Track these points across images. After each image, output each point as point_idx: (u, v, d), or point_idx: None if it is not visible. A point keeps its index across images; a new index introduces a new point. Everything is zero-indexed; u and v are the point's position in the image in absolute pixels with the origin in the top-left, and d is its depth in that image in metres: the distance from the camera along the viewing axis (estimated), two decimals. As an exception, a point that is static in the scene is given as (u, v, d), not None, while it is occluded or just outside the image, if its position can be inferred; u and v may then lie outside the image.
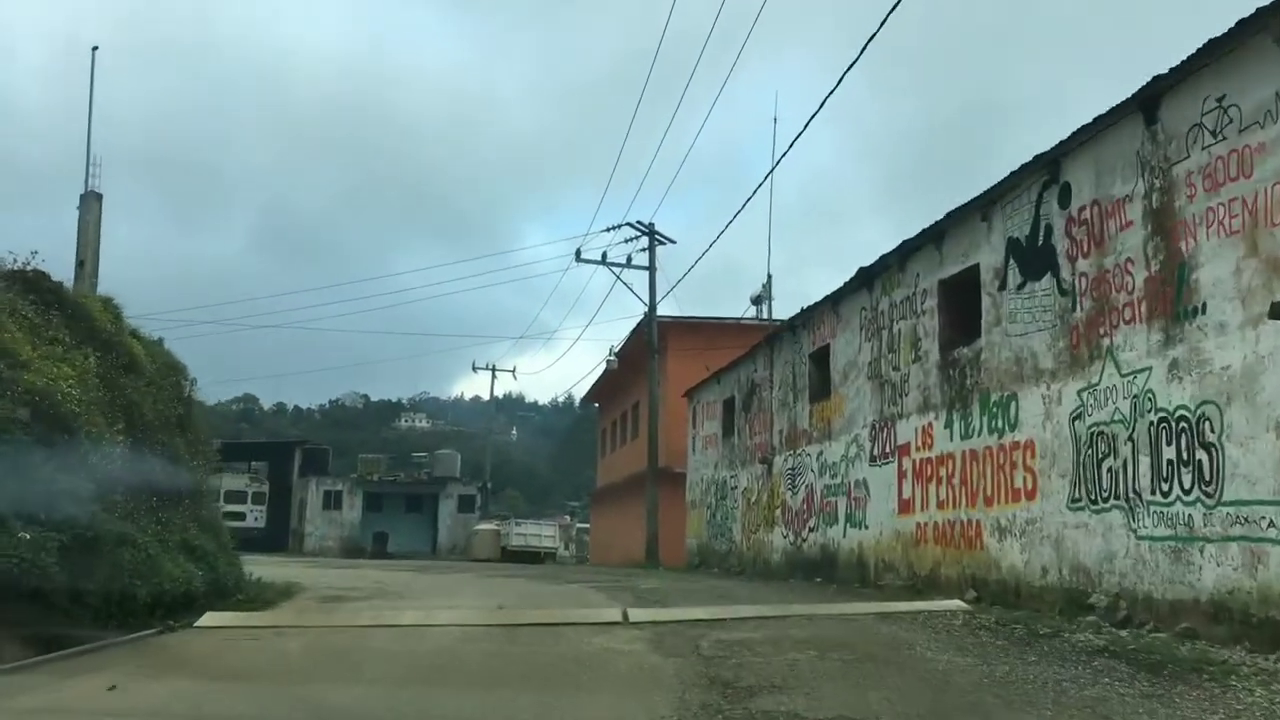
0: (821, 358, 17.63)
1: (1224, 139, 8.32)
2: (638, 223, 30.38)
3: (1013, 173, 11.37)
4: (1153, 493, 8.84)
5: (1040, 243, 10.93)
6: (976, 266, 12.27)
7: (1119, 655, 7.25)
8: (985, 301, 12.01)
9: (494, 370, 55.93)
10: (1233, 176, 8.20)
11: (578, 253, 30.94)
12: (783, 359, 19.74)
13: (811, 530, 17.62)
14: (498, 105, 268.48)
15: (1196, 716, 5.39)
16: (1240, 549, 7.79)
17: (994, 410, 11.66)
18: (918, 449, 13.59)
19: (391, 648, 8.04)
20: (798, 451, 18.52)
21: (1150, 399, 8.97)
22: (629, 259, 30.44)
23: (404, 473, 56.00)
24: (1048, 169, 10.82)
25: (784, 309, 34.18)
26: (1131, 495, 9.12)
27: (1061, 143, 10.47)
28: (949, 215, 12.85)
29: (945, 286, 13.23)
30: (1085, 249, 10.15)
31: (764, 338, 21.43)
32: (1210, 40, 8.36)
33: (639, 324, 31.64)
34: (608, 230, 31.04)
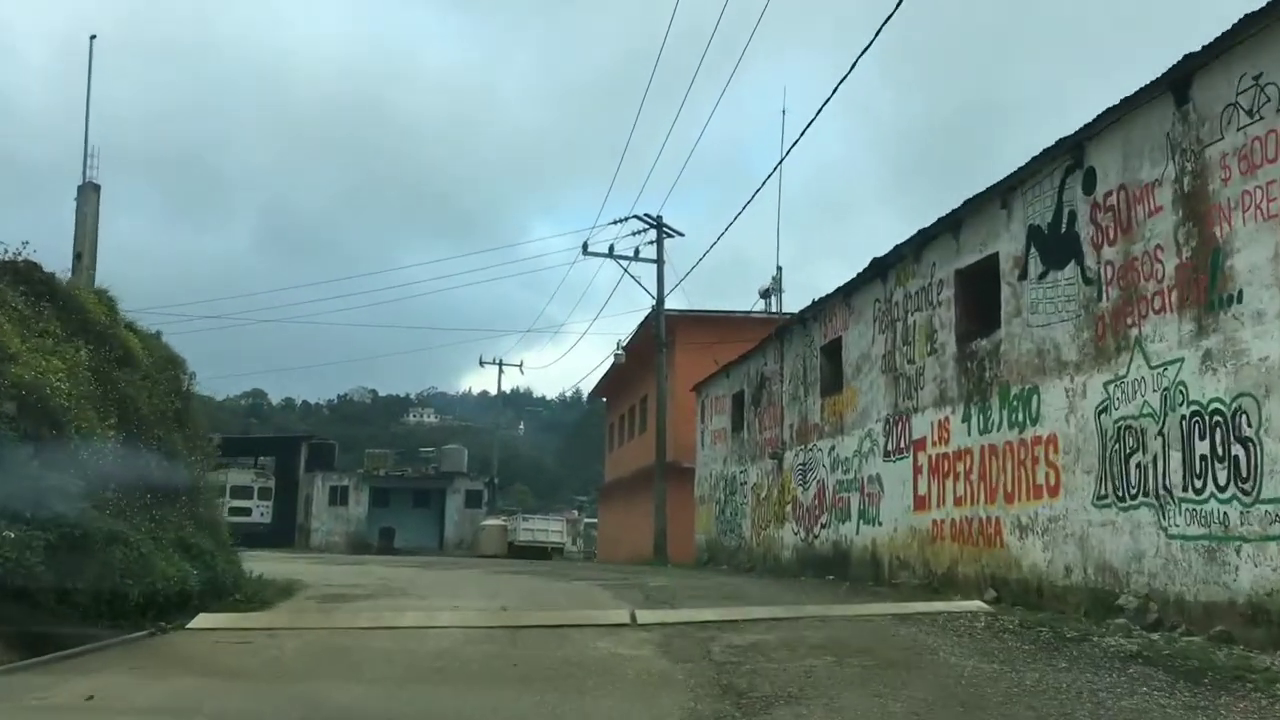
0: (833, 350, 17.25)
1: (1261, 119, 7.92)
2: (645, 215, 30.03)
3: (1034, 158, 10.97)
4: (1185, 490, 8.45)
5: (1063, 230, 10.54)
6: (995, 255, 11.88)
7: (1154, 662, 6.87)
8: (1005, 291, 11.62)
9: (501, 365, 55.69)
10: (1270, 158, 7.81)
11: (584, 246, 30.64)
12: (793, 352, 19.36)
13: (823, 527, 17.25)
14: (499, 103, 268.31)
15: (1247, 731, 5.03)
16: (1280, 549, 7.41)
17: (1014, 404, 11.28)
18: (934, 444, 13.21)
19: (390, 651, 7.70)
20: (809, 446, 18.14)
21: (1182, 391, 8.57)
22: (636, 252, 30.12)
23: (411, 468, 55.76)
24: (1071, 153, 10.42)
25: (792, 302, 33.84)
26: (1162, 492, 8.73)
27: (1086, 126, 10.07)
28: (966, 203, 12.46)
29: (962, 276, 12.84)
30: (1111, 236, 9.75)
31: (774, 331, 21.05)
32: (1245, 16, 7.96)
33: (647, 317, 31.28)
34: (615, 223, 30.73)
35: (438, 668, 6.92)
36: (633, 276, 30.36)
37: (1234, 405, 7.98)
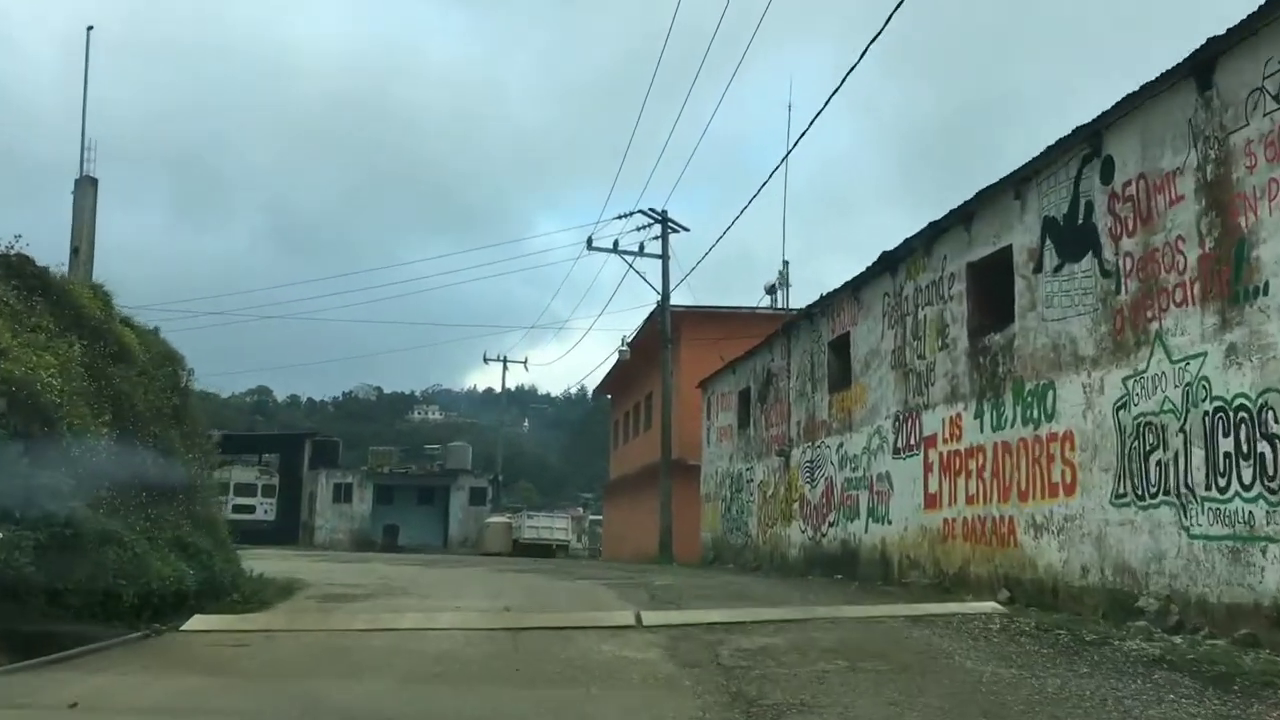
0: (841, 346, 16.99)
1: (1288, 104, 7.65)
2: (650, 210, 29.75)
3: (1049, 148, 10.69)
4: (1208, 488, 8.18)
5: (1080, 221, 10.27)
6: (1009, 248, 11.61)
7: (1179, 667, 6.62)
8: (1019, 285, 11.35)
9: (505, 362, 55.44)
10: (1299, 144, 7.54)
11: (589, 241, 30.32)
12: (800, 348, 19.10)
13: (831, 525, 17.00)
14: (503, 99, 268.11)
15: (1285, 744, 4.78)
16: (1309, 550, 7.14)
17: (1029, 400, 11.01)
18: (945, 441, 12.95)
19: (388, 653, 7.49)
20: (816, 443, 17.89)
21: (1205, 387, 8.30)
22: (641, 247, 29.81)
23: (415, 465, 55.57)
24: (1088, 142, 10.14)
25: (798, 298, 33.50)
26: (1183, 490, 8.46)
27: (1103, 114, 9.80)
28: (979, 195, 12.19)
29: (974, 270, 12.57)
30: (1130, 227, 9.48)
31: (780, 326, 20.79)
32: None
33: (652, 313, 31.01)
34: (620, 218, 30.42)
35: (437, 672, 6.69)
36: (637, 272, 30.13)
37: (1260, 401, 7.71)
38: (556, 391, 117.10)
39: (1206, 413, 8.27)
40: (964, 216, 12.65)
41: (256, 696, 6.18)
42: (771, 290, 36.02)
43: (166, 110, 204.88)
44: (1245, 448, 7.82)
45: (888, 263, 14.94)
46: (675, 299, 29.86)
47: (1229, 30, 8.17)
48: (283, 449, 53.10)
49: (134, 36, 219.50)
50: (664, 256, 29.60)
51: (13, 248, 10.87)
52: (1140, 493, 9.03)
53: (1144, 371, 9.11)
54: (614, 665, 6.88)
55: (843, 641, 7.78)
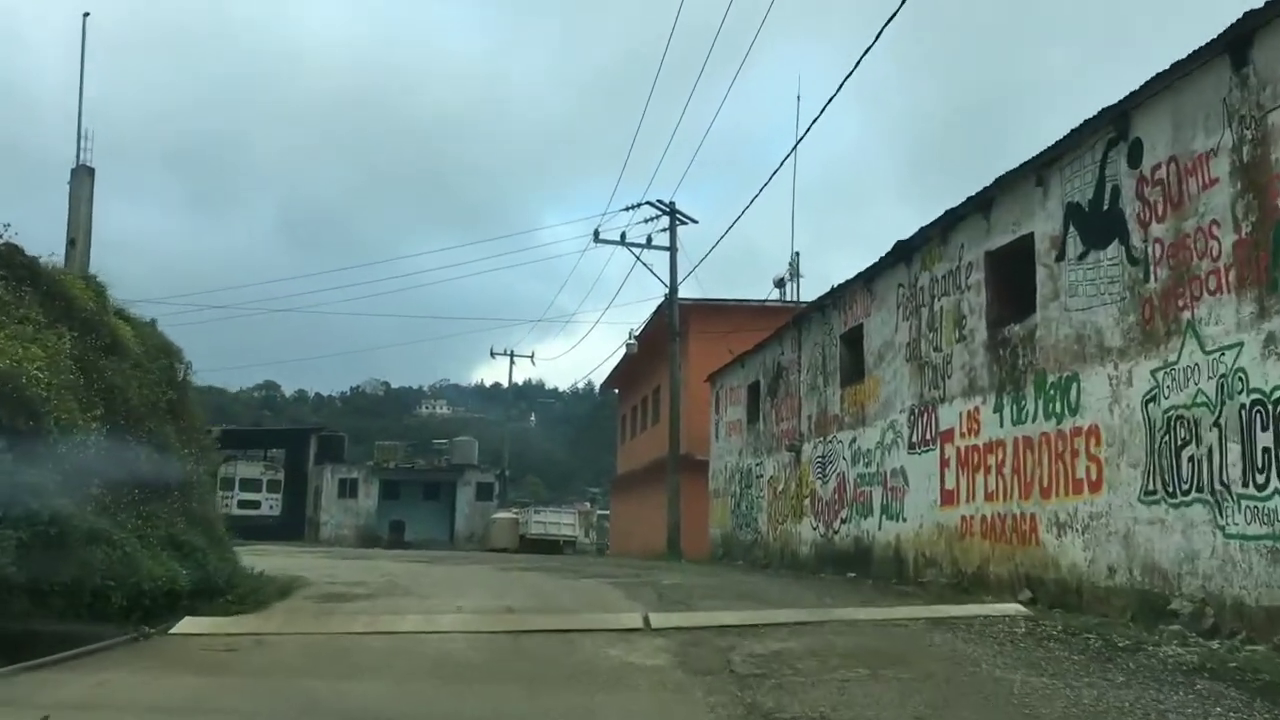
0: (854, 339, 16.59)
1: (1333, 80, 7.24)
2: (658, 201, 29.35)
3: (1073, 131, 10.28)
4: (1245, 485, 7.78)
5: (1106, 207, 9.86)
6: (1030, 236, 11.20)
7: (1221, 675, 6.24)
8: (1040, 274, 10.95)
9: (512, 356, 55.11)
10: (1344, 122, 7.13)
11: (596, 233, 29.95)
12: (811, 340, 18.70)
13: (843, 522, 16.62)
14: (511, 94, 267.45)
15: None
16: (1357, 551, 6.75)
17: (1051, 393, 10.61)
18: (962, 435, 12.55)
19: (385, 658, 7.15)
20: (828, 438, 17.50)
21: (1241, 379, 7.90)
22: (649, 239, 29.43)
23: (423, 459, 55.27)
24: (1115, 124, 9.73)
25: (806, 293, 33.14)
26: (1218, 488, 8.06)
27: (1132, 94, 9.38)
28: (998, 181, 11.78)
29: (993, 259, 12.16)
30: (1160, 212, 9.07)
31: (791, 318, 20.40)
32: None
33: (659, 306, 30.64)
34: (627, 209, 30.01)
35: (435, 679, 6.33)
36: (645, 264, 29.72)
37: (1302, 393, 7.31)
38: (564, 386, 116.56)
39: (1243, 405, 7.87)
40: (982, 204, 12.25)
41: (239, 706, 5.83)
42: (780, 283, 35.64)
43: (172, 106, 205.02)
44: (1286, 443, 7.42)
45: (902, 252, 14.54)
46: (683, 292, 29.50)
47: (1267, 3, 7.76)
48: (288, 444, 52.85)
49: (139, 31, 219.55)
50: (672, 249, 29.23)
51: (0, 236, 10.53)
52: (1171, 490, 8.63)
53: (1175, 363, 8.71)
54: (621, 672, 6.52)
55: (862, 646, 7.42)
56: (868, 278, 15.85)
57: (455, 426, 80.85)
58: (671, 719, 5.46)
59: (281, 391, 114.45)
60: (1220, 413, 8.11)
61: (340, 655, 7.39)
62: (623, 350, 33.92)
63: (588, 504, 64.10)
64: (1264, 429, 7.65)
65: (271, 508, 47.88)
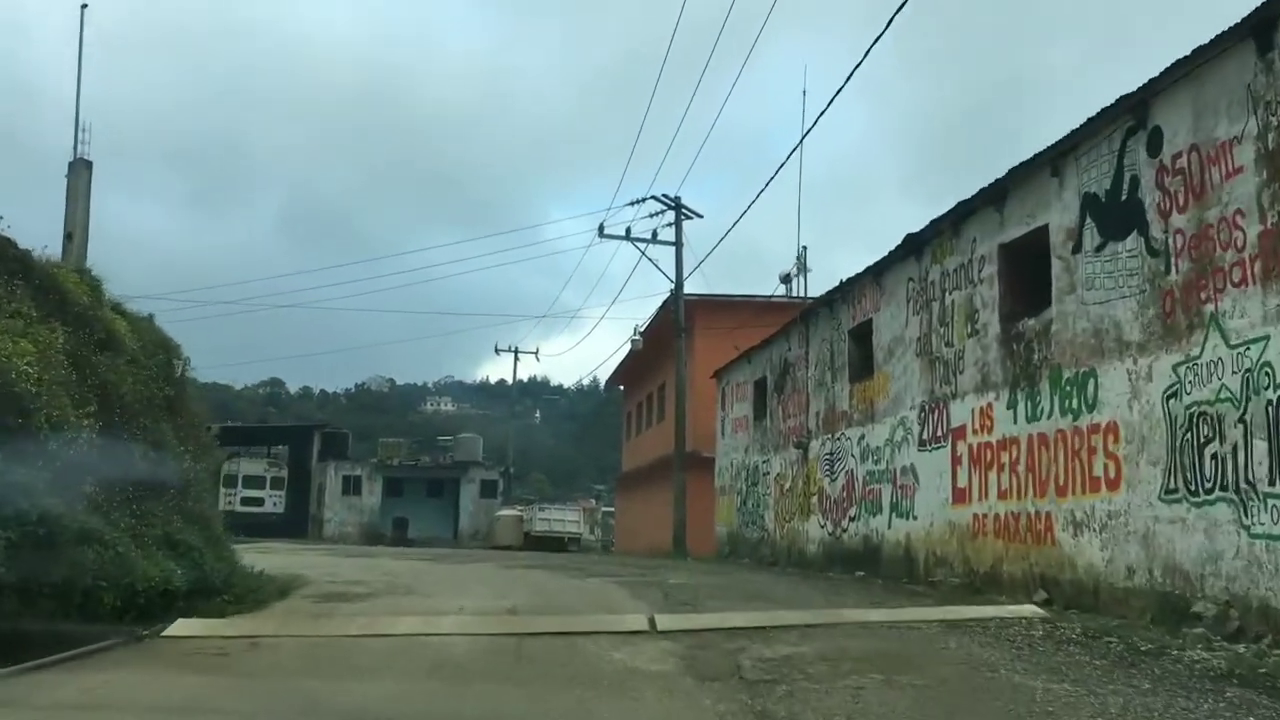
0: (863, 334, 16.33)
1: (1365, 63, 6.97)
2: (663, 195, 29.08)
3: (1090, 119, 10.01)
4: (1271, 483, 7.51)
5: (1124, 197, 9.59)
6: (1045, 228, 10.93)
7: (1251, 682, 5.99)
8: (1056, 266, 10.68)
9: (516, 353, 54.88)
10: (1377, 106, 6.85)
11: (601, 228, 29.70)
12: (819, 336, 18.44)
13: (852, 520, 16.36)
14: (516, 90, 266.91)
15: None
16: (1391, 552, 6.48)
17: (1067, 389, 10.35)
18: (975, 432, 12.29)
19: (381, 663, 6.91)
20: (836, 435, 17.24)
21: (1268, 373, 7.63)
22: (654, 234, 29.16)
23: (427, 456, 55.03)
24: (1133, 113, 9.45)
25: (811, 289, 32.86)
26: (1243, 486, 7.79)
27: (1151, 81, 9.11)
28: (1011, 172, 11.51)
29: (1007, 251, 11.89)
30: (1181, 202, 8.80)
31: (798, 314, 20.14)
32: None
33: (665, 302, 30.38)
34: (632, 204, 29.76)
35: (429, 690, 6.09)
36: (650, 260, 29.46)
37: (1332, 388, 7.04)
38: (569, 383, 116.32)
39: (1270, 401, 7.60)
40: (995, 196, 11.97)
41: (226, 711, 5.60)
42: (786, 279, 35.36)
43: (177, 103, 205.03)
44: (1315, 440, 7.16)
45: (912, 246, 14.27)
46: (689, 288, 29.26)
47: (1296, -16, 7.48)
48: (292, 441, 52.64)
49: (144, 29, 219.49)
50: (677, 244, 28.96)
51: (-9, 229, 10.30)
52: (1193, 488, 8.36)
53: (1197, 357, 8.44)
54: (626, 678, 6.28)
55: (875, 651, 7.17)
56: (877, 272, 15.58)
57: (460, 423, 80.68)
58: (678, 730, 5.22)
59: (286, 388, 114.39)
60: (1245, 409, 7.85)
61: (335, 659, 7.16)
62: (628, 347, 33.67)
63: (593, 500, 63.86)
64: (1292, 425, 7.39)
65: (275, 505, 47.65)
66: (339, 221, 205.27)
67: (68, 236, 14.84)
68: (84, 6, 17.15)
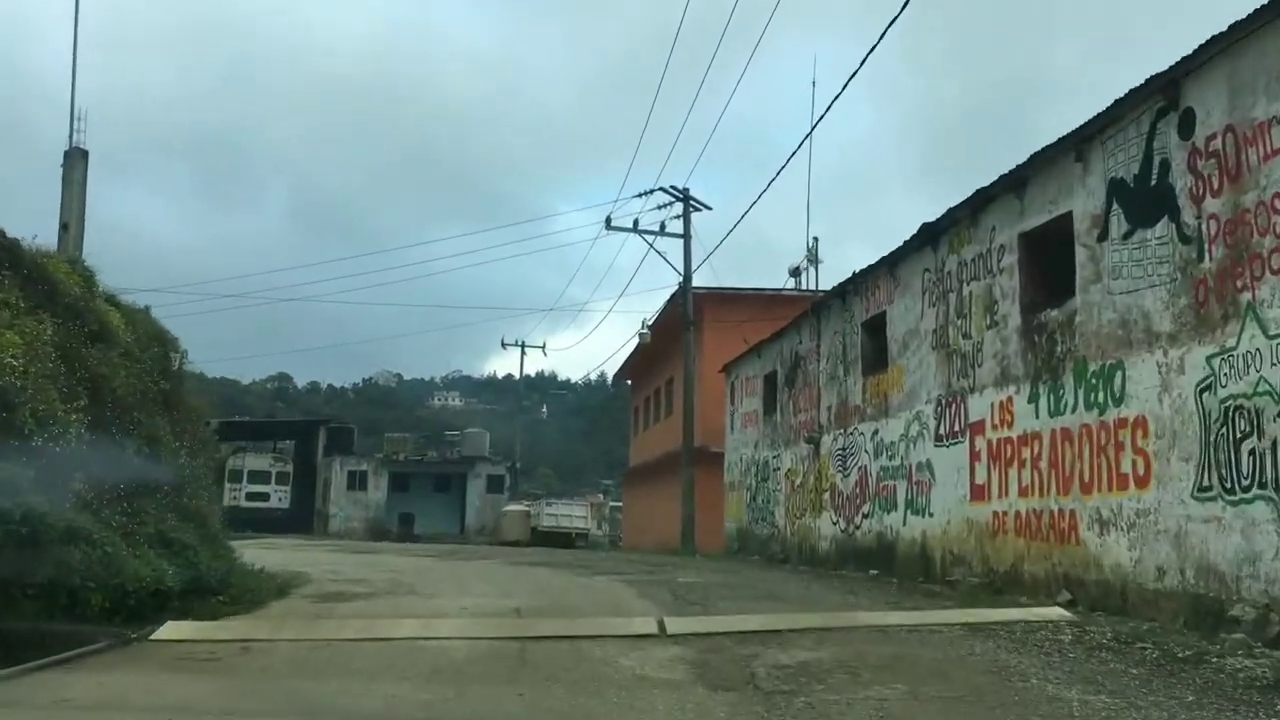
0: (876, 326, 15.94)
1: None
2: (671, 187, 28.68)
3: (1117, 101, 9.60)
4: (1315, 481, 7.13)
5: (1153, 182, 9.18)
6: (1069, 215, 10.53)
7: (1303, 693, 5.60)
8: (1080, 255, 10.28)
9: (523, 347, 54.54)
10: None
11: (608, 220, 29.29)
12: (831, 329, 18.06)
13: (865, 517, 15.99)
14: (524, 82, 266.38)
15: None
16: None
17: (1093, 382, 9.95)
18: (994, 427, 11.90)
19: (376, 670, 6.56)
20: (849, 430, 16.86)
21: (1311, 365, 7.24)
22: (663, 226, 28.75)
23: (434, 451, 54.74)
24: (1163, 93, 9.04)
25: (819, 283, 32.48)
26: (1284, 484, 7.41)
27: (1184, 59, 8.70)
28: (1033, 158, 11.10)
29: (1028, 240, 11.50)
30: (1215, 186, 8.39)
31: (810, 306, 19.74)
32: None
33: (673, 295, 29.99)
34: (639, 196, 29.37)
35: (424, 701, 5.73)
36: (658, 252, 29.04)
37: (1382, 380, 6.65)
38: (576, 377, 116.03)
39: (1313, 395, 7.21)
40: (1015, 183, 11.57)
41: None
42: (796, 273, 35.01)
43: (183, 96, 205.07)
44: (1363, 435, 6.77)
45: (928, 235, 13.87)
46: (697, 281, 28.87)
47: (1342, -47, 7.08)
48: (297, 436, 52.38)
49: (150, 20, 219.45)
50: (685, 236, 28.57)
51: (-20, 218, 9.97)
52: (1229, 485, 7.97)
53: (1233, 349, 8.04)
54: (634, 688, 5.92)
55: (896, 657, 6.81)
56: (891, 263, 15.19)
57: (467, 418, 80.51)
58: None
59: (294, 383, 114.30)
60: (1286, 402, 7.45)
61: (329, 665, 6.81)
62: (635, 340, 33.31)
63: (600, 495, 63.53)
64: (1337, 420, 7.00)
65: (280, 500, 47.41)
66: (345, 216, 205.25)
67: (63, 227, 14.52)
68: (80, -6, 16.80)
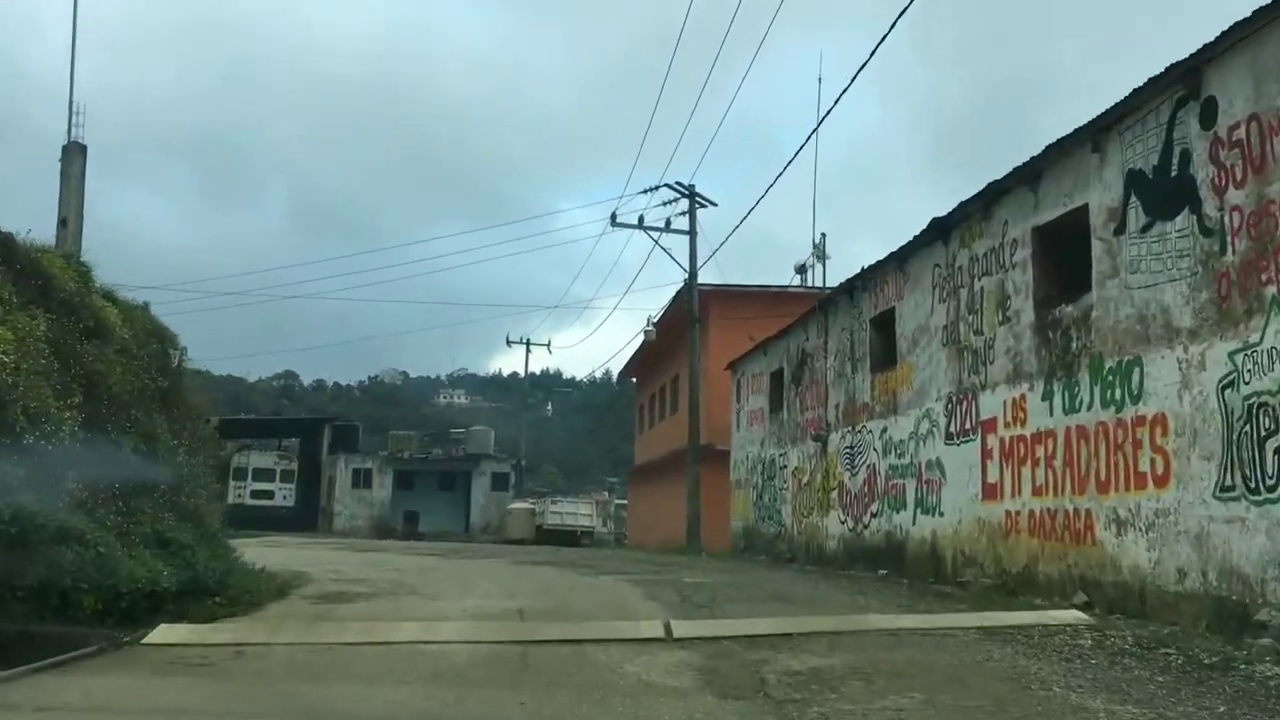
0: (885, 323, 15.70)
1: None
2: (677, 183, 28.44)
3: (1135, 90, 9.35)
4: (1345, 481, 6.89)
5: (1173, 173, 8.94)
6: (1084, 208, 10.29)
7: (1337, 703, 5.37)
8: (1096, 249, 10.04)
9: (528, 344, 54.30)
10: None
11: (613, 216, 29.07)
12: (839, 325, 17.82)
13: (874, 516, 15.76)
14: (526, 79, 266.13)
15: None
16: None
17: (1109, 378, 9.71)
18: (1006, 425, 11.66)
19: (372, 677, 6.35)
20: (857, 428, 16.63)
21: (1341, 361, 7.00)
22: (668, 223, 28.52)
23: (439, 449, 54.55)
24: (1183, 81, 8.80)
25: (825, 279, 32.21)
26: (1312, 484, 7.17)
27: (1205, 47, 8.45)
28: (1047, 150, 10.86)
29: (1041, 234, 11.26)
30: (1238, 177, 8.15)
31: (817, 302, 19.51)
32: None
33: (678, 292, 29.76)
34: (644, 192, 29.15)
35: (419, 711, 5.52)
36: (664, 249, 28.82)
37: None
38: (581, 375, 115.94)
39: (1342, 392, 6.97)
40: (1029, 175, 11.33)
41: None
42: (802, 269, 34.74)
43: (185, 95, 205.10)
44: (1396, 433, 6.53)
45: (938, 230, 13.63)
46: (703, 278, 28.62)
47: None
48: (302, 434, 52.21)
49: (152, 20, 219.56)
50: (691, 232, 28.33)
51: (-27, 213, 9.78)
52: (1254, 485, 7.73)
53: (1257, 344, 7.79)
54: (640, 695, 5.70)
55: (911, 663, 6.58)
56: (900, 258, 14.95)
57: (473, 416, 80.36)
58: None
59: (300, 381, 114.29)
60: (1313, 399, 7.21)
61: (325, 670, 6.62)
62: (640, 338, 33.09)
63: (605, 493, 63.35)
64: (1368, 417, 6.75)
65: (285, 498, 47.22)
66: (347, 215, 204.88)
67: (62, 222, 14.33)
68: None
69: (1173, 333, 8.82)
